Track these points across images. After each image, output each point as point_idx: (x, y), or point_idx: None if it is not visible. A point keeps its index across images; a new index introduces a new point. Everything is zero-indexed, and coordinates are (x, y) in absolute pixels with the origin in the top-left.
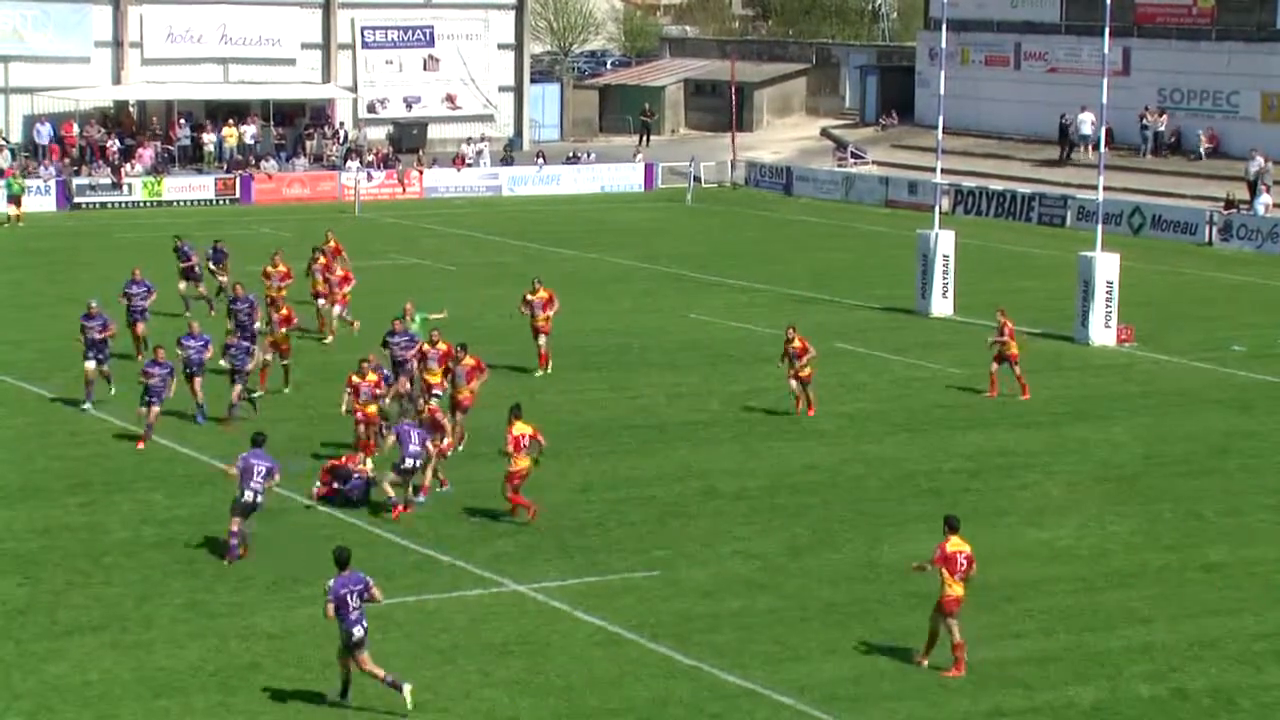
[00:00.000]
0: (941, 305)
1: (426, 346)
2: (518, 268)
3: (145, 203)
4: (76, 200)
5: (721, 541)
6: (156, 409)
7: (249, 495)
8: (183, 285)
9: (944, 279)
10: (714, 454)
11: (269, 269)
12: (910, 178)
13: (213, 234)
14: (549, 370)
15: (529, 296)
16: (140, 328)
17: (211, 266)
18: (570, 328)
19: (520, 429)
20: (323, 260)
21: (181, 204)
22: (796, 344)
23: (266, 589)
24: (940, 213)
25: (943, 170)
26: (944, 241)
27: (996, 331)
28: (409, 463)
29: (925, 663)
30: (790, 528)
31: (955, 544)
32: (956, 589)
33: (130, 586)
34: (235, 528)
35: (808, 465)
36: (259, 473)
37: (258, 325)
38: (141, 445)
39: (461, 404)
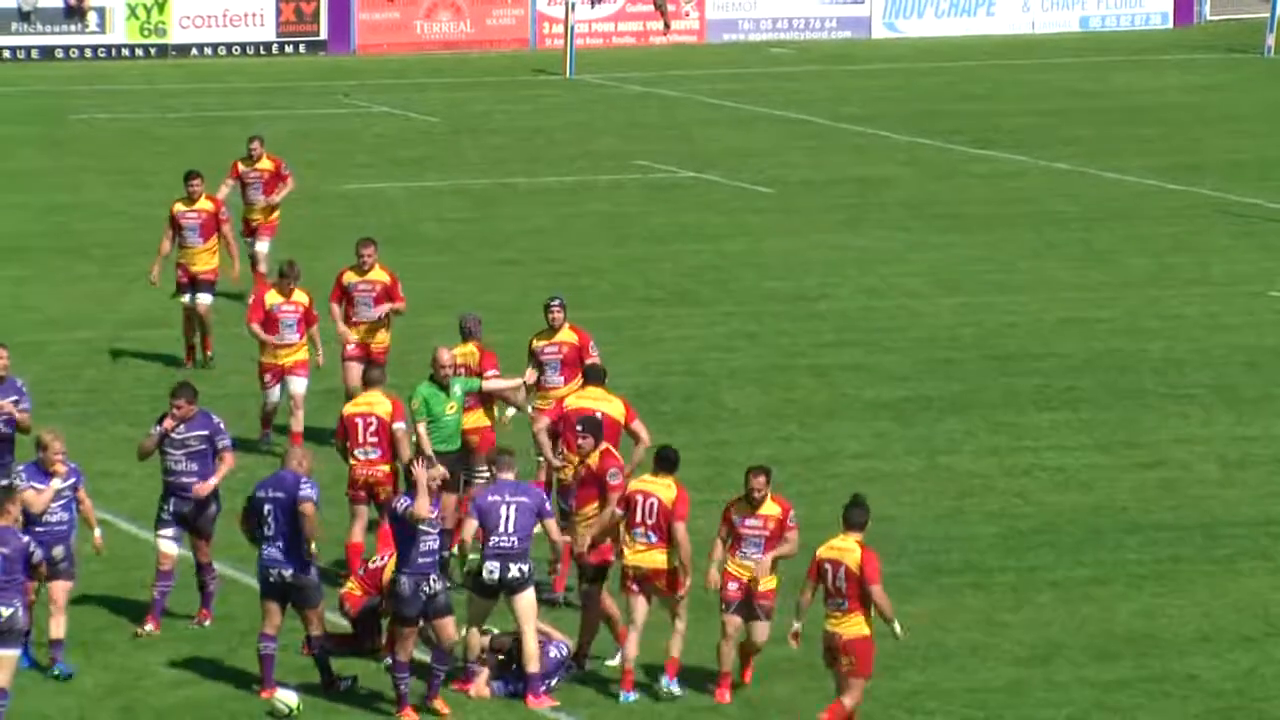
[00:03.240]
0: None
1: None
2: (906, 188)
3: (129, 49)
4: None
5: None
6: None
7: None
8: None
9: None
10: None
11: (361, 274)
12: None
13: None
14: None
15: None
16: None
17: None
18: (1009, 322)
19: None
20: (225, 187)
21: (208, 52)
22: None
23: None
24: None
25: None
26: None
27: None
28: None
29: None
30: None
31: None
32: None
33: None
34: None
35: None
36: None
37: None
38: None
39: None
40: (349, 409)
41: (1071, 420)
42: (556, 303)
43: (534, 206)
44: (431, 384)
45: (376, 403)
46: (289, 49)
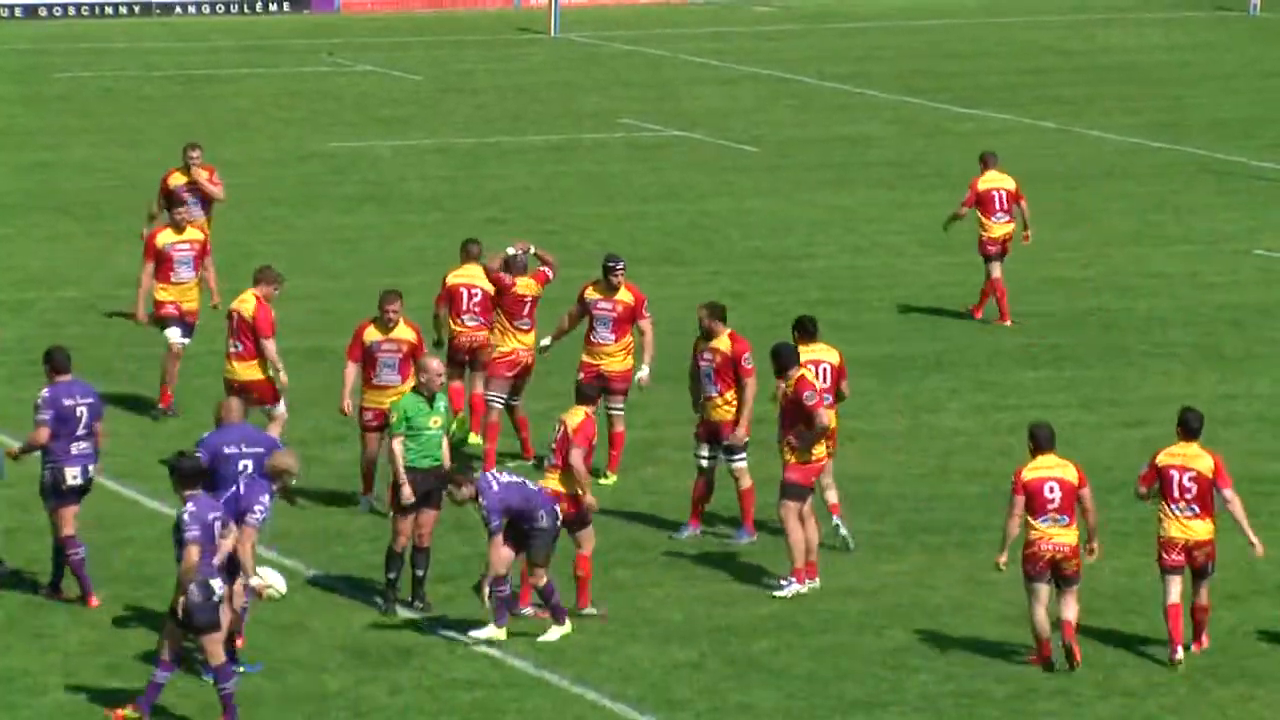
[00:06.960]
0: None
1: None
2: (891, 147)
3: (113, 7)
4: None
5: None
6: None
7: None
8: None
9: None
10: None
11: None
12: None
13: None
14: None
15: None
16: None
17: None
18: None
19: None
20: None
21: (192, 10)
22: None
23: None
24: None
25: None
26: None
27: None
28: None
29: None
30: None
31: None
32: None
33: None
34: None
35: None
36: None
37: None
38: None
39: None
40: (453, 278)
41: (1055, 379)
42: (620, 266)
43: (518, 165)
44: (415, 394)
45: (478, 276)
46: (273, 7)
